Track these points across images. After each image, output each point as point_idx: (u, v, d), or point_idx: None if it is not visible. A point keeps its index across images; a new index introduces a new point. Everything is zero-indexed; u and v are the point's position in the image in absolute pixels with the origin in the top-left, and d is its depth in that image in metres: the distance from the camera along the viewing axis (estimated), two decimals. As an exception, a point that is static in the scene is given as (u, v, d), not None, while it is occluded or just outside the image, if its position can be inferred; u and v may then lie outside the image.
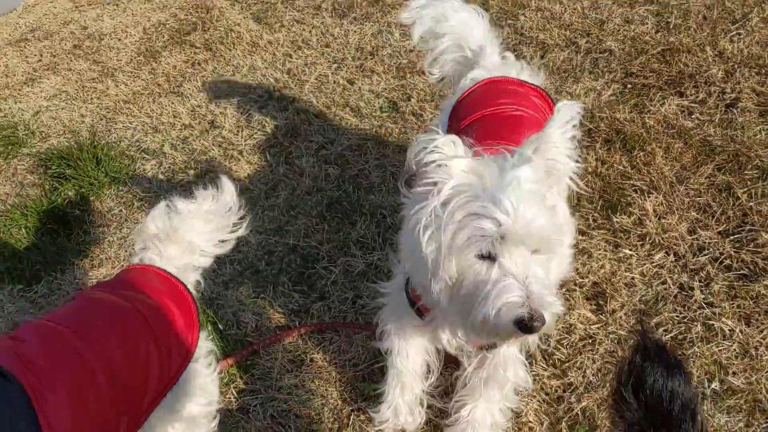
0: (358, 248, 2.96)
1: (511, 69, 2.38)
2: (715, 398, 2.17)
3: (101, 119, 4.39)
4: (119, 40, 5.28)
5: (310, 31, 4.65)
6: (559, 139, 1.61)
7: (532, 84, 2.32)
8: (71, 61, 5.16)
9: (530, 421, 2.24)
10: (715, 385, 2.20)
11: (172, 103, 4.30)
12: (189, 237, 2.14)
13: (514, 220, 1.51)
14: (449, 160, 1.61)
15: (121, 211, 3.56)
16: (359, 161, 3.47)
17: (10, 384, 1.52)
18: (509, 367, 1.97)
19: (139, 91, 4.55)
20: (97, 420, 1.68)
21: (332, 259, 2.96)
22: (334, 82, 4.06)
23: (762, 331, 2.30)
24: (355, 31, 4.49)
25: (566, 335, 2.42)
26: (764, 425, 2.01)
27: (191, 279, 2.16)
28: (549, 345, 2.35)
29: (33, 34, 5.94)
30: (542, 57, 3.77)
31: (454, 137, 1.65)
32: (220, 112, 4.12)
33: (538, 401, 2.28)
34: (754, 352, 2.27)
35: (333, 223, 3.13)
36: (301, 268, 2.97)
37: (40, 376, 1.60)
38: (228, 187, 2.21)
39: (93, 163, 3.88)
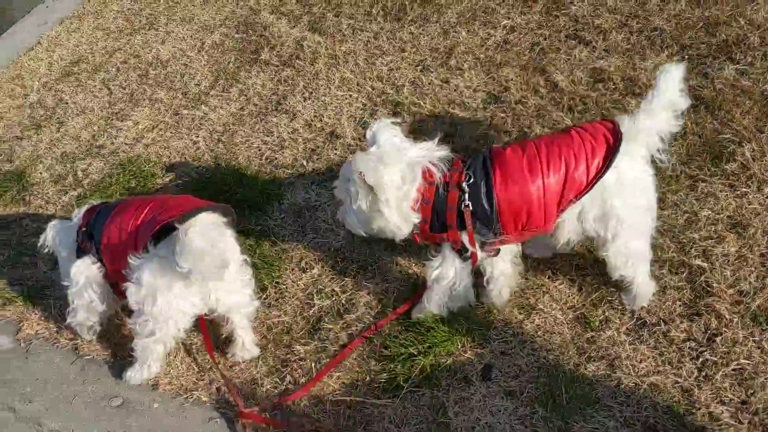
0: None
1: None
2: None
3: (216, 143, 4.96)
4: (186, 65, 5.76)
5: (376, 37, 5.30)
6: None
7: None
8: (147, 90, 5.61)
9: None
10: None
11: (282, 120, 4.91)
12: None
13: None
14: None
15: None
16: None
17: None
18: None
19: (238, 113, 5.12)
20: None
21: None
22: (429, 83, 4.78)
23: None
24: (421, 33, 5.19)
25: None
26: None
27: None
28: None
29: (77, 66, 6.31)
30: (605, 39, 4.62)
31: None
32: (334, 123, 4.77)
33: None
34: None
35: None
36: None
37: None
38: None
39: (254, 180, 4.48)
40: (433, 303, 3.32)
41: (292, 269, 3.93)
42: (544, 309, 3.39)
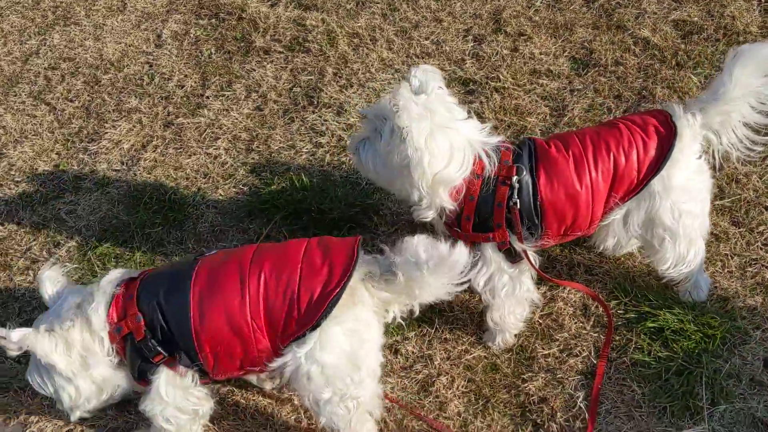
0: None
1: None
2: None
3: (247, 153, 4.00)
4: (149, 64, 4.63)
5: (393, 8, 4.58)
6: None
7: None
8: (107, 100, 4.41)
9: None
10: None
11: (326, 115, 4.06)
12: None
13: None
14: None
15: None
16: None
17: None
18: None
19: (257, 115, 4.17)
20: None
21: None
22: (496, 54, 4.19)
23: None
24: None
25: None
26: None
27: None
28: None
29: (-22, 82, 4.87)
30: (668, -10, 4.33)
31: None
32: (398, 111, 4.02)
33: None
34: None
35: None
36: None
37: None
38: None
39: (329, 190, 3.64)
40: (506, 321, 2.85)
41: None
42: (786, 283, 3.03)
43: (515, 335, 2.94)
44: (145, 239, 3.66)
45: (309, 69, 4.32)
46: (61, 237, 3.78)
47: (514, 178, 2.58)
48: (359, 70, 4.24)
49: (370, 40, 4.39)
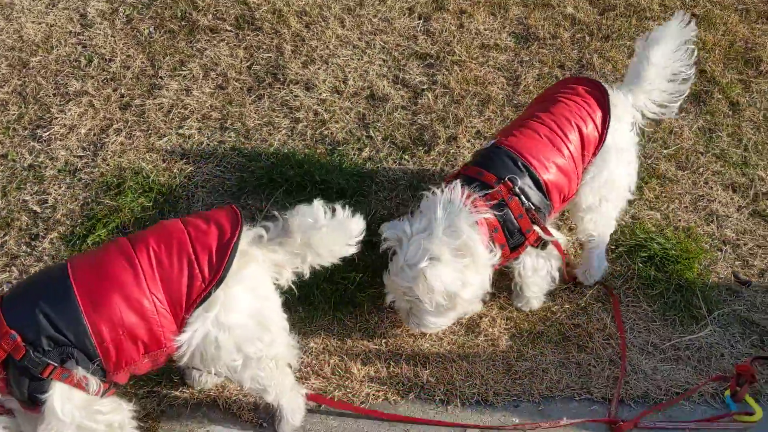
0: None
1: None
2: None
3: (222, 131, 4.02)
4: (84, 45, 4.42)
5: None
6: None
7: None
8: (44, 84, 4.16)
9: None
10: None
11: (297, 91, 4.17)
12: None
13: None
14: None
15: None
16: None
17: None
18: None
19: (221, 93, 4.17)
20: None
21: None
22: (445, 30, 4.53)
23: None
24: (386, -20, 4.82)
25: None
26: None
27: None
28: None
29: None
30: (577, -27, 4.93)
31: None
32: (367, 85, 4.23)
33: None
34: None
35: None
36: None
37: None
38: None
39: (325, 163, 3.78)
40: (536, 296, 3.20)
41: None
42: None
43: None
44: (140, 223, 3.55)
45: (265, 47, 4.36)
46: (38, 229, 3.54)
47: (516, 188, 2.85)
48: (318, 47, 4.36)
49: (321, 18, 4.52)
